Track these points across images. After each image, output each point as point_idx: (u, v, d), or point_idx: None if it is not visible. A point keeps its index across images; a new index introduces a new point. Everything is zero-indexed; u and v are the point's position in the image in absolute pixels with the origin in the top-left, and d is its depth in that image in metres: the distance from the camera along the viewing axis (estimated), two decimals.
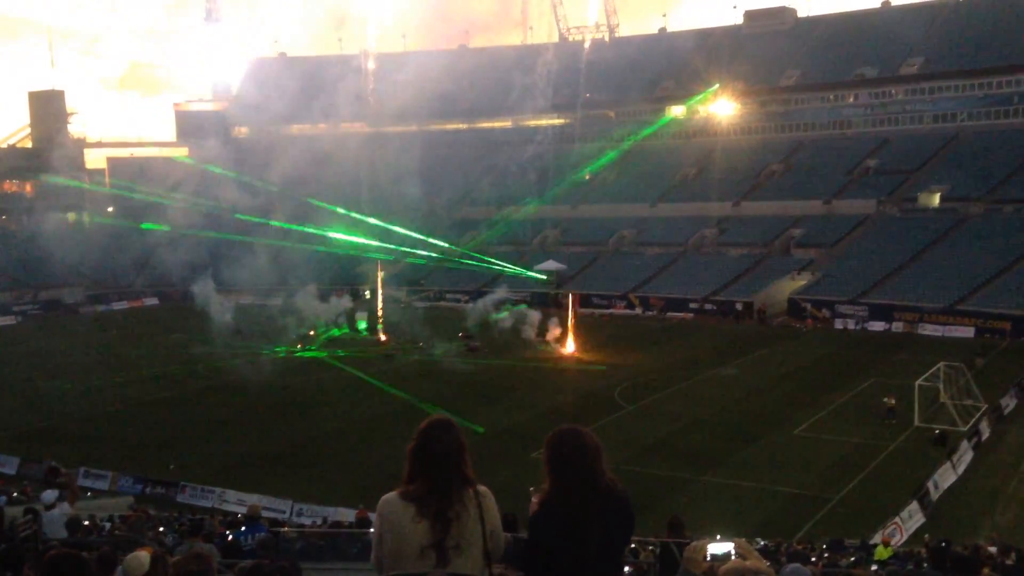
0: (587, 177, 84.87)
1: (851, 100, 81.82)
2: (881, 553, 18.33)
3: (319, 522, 24.22)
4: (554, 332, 51.24)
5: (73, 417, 37.38)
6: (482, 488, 3.94)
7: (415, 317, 57.68)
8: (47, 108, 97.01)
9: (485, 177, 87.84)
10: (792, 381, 42.09)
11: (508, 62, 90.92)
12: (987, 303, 54.04)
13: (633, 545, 16.54)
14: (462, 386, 41.85)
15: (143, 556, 6.22)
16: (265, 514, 22.14)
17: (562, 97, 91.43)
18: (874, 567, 15.31)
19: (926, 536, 21.89)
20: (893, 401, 33.39)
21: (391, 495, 3.89)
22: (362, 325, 57.21)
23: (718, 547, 4.00)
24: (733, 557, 3.93)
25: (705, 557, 4.02)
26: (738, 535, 4.19)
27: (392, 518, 3.82)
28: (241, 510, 23.61)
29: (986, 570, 9.98)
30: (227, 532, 15.69)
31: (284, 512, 25.64)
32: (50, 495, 13.69)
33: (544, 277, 69.95)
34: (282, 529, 19.07)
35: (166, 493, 28.29)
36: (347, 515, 23.69)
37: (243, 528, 14.25)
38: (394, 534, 3.81)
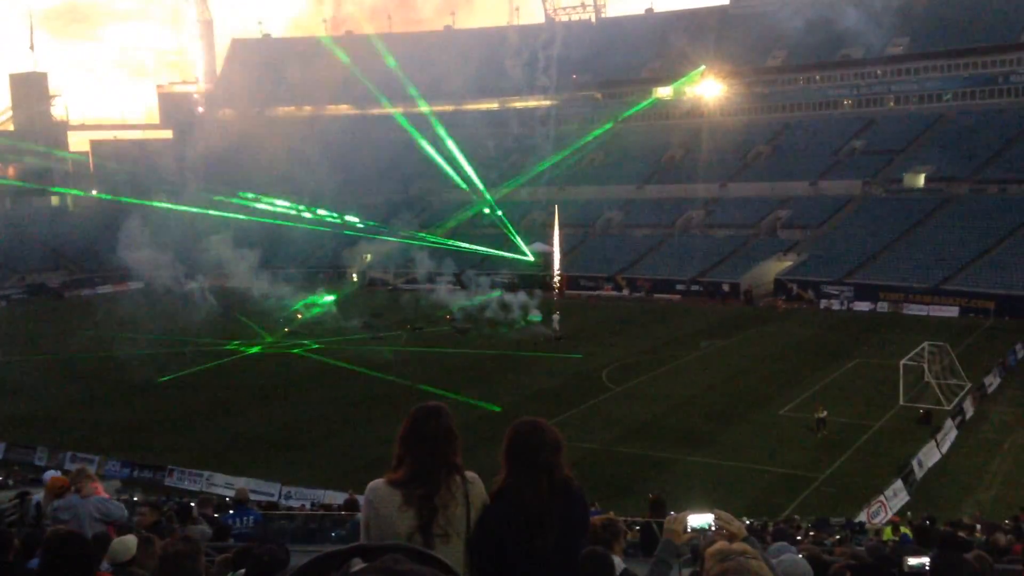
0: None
1: (837, 81, 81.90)
2: (890, 535, 17.93)
3: (308, 505, 24.29)
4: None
5: (59, 401, 37.23)
6: (470, 474, 3.89)
7: (402, 301, 57.90)
8: (29, 91, 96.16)
9: (472, 159, 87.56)
10: (778, 361, 42.27)
11: (494, 43, 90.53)
12: (971, 283, 54.36)
13: None
14: (449, 369, 41.89)
15: (129, 540, 6.22)
16: (254, 497, 22.19)
17: (549, 78, 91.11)
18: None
19: (908, 514, 22.16)
20: (824, 413, 30.77)
21: (378, 481, 3.85)
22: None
23: (698, 519, 4.06)
24: (713, 528, 3.99)
25: (685, 528, 4.08)
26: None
27: (379, 505, 3.78)
28: (229, 493, 23.62)
29: (974, 551, 10.08)
30: (215, 515, 15.69)
31: (273, 495, 25.66)
32: (50, 476, 13.64)
33: (531, 259, 69.93)
34: (274, 512, 19.12)
35: (153, 477, 28.26)
36: (335, 498, 23.73)
37: (232, 511, 14.26)
38: (381, 521, 3.77)
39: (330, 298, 58.16)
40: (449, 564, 1.76)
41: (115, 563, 6.08)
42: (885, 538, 17.62)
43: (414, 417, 3.90)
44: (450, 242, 71.47)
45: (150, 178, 76.11)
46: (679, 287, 64.19)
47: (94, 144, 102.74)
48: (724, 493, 24.86)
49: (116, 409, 35.96)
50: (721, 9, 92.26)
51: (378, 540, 3.72)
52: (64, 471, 28.38)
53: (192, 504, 14.95)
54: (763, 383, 37.71)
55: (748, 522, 19.14)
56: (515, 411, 31.81)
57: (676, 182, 78.65)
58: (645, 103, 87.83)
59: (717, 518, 4.01)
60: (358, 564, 1.65)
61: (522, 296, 55.41)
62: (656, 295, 63.75)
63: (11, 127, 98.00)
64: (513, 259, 69.69)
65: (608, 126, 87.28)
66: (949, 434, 29.75)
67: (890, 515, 23.06)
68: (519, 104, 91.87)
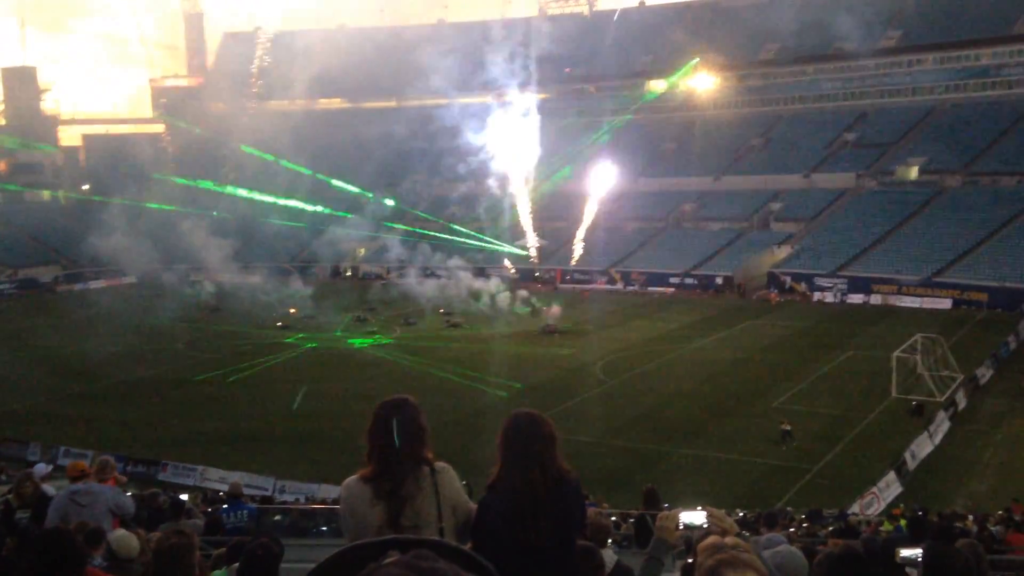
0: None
1: (830, 74, 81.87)
2: (888, 526, 17.94)
3: (302, 499, 24.26)
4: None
5: (52, 396, 37.10)
6: (440, 464, 3.89)
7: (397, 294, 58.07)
8: (19, 85, 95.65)
9: (464, 152, 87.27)
10: (771, 354, 42.35)
11: (486, 37, 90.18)
12: (964, 275, 54.52)
13: (614, 518, 16.72)
14: (444, 361, 41.85)
15: (132, 538, 6.19)
16: (248, 491, 22.13)
17: (542, 72, 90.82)
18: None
19: (900, 505, 22.23)
20: (788, 426, 29.54)
21: (351, 478, 3.87)
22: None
23: (690, 516, 4.06)
24: (705, 526, 3.99)
25: (678, 525, 4.08)
26: (717, 506, 4.24)
27: (351, 500, 3.81)
28: (223, 487, 23.57)
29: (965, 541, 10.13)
30: (209, 509, 15.68)
31: (267, 489, 25.63)
32: (41, 468, 13.60)
33: (525, 253, 69.91)
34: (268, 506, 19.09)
35: (147, 471, 28.19)
36: (329, 492, 23.69)
37: (225, 506, 14.25)
38: (353, 516, 3.80)
39: (307, 290, 58.42)
40: (482, 561, 1.75)
41: (118, 559, 6.06)
42: (885, 528, 17.72)
43: (377, 411, 3.90)
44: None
45: (140, 172, 75.92)
46: (673, 280, 64.29)
47: (86, 138, 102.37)
48: (718, 485, 24.95)
49: (112, 404, 35.85)
50: (714, 3, 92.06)
51: (354, 536, 3.74)
52: (57, 466, 28.33)
53: (185, 498, 14.96)
54: (756, 376, 37.79)
55: (741, 514, 19.20)
56: (509, 405, 31.86)
57: (669, 175, 78.64)
58: (639, 97, 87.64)
59: (709, 516, 4.01)
60: (394, 556, 1.65)
61: (494, 281, 58.78)
62: (650, 288, 63.85)
63: (2, 121, 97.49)
64: (508, 251, 69.67)
65: (602, 120, 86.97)
66: (942, 426, 29.85)
67: (883, 506, 23.17)
68: (511, 98, 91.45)
